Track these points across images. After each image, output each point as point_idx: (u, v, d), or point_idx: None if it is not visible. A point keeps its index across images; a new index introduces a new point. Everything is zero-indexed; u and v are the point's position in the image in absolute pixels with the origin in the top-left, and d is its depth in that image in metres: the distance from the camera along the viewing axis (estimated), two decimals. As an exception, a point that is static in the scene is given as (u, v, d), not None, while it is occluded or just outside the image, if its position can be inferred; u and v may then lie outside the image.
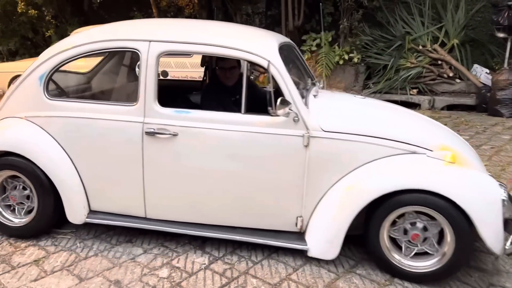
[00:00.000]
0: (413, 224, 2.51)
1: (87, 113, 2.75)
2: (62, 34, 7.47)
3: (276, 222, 2.71)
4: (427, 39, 7.96)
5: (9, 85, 7.09)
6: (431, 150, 2.57)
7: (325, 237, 2.58)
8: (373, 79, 8.23)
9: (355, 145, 2.55)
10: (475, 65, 7.81)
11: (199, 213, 2.77)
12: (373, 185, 2.48)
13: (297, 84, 2.71)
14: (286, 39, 3.27)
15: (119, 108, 2.74)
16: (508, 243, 2.44)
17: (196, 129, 2.64)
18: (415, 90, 7.91)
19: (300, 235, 2.69)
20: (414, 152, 2.56)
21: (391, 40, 8.16)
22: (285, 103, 2.46)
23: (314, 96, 2.92)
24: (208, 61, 3.86)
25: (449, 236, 2.42)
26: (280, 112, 2.47)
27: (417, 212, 2.48)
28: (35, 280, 2.53)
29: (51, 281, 2.51)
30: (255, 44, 2.68)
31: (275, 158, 2.59)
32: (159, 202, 2.80)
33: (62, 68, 2.89)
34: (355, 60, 8.09)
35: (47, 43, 9.38)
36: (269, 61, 2.55)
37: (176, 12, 10.11)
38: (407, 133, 2.64)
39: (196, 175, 2.69)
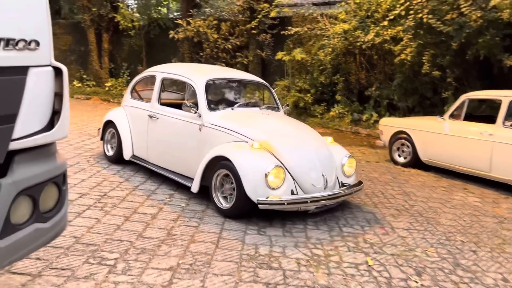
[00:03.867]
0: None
1: (137, 106, 5.86)
2: (458, 96, 7.17)
3: (192, 172, 4.72)
4: None
5: (390, 140, 7.45)
6: (253, 141, 4.38)
7: (196, 180, 4.60)
8: None
9: (220, 133, 4.63)
10: None
11: (166, 161, 5.23)
12: (210, 153, 4.49)
13: (220, 101, 5.42)
14: (245, 77, 5.89)
15: (144, 103, 5.71)
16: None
17: (163, 116, 5.28)
18: None
19: None
20: (245, 141, 4.43)
21: None
22: (187, 107, 4.88)
23: (232, 109, 5.12)
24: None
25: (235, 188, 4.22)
26: (188, 110, 4.91)
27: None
28: None
29: None
30: (187, 73, 5.31)
31: (189, 135, 4.89)
32: (152, 152, 5.46)
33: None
34: None
35: (443, 103, 9.30)
36: (192, 82, 5.07)
37: None
38: (251, 132, 4.53)
39: (164, 139, 5.27)
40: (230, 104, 5.31)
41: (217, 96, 5.54)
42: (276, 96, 5.70)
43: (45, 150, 2.03)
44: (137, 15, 14.55)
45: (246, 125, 4.67)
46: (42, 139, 1.96)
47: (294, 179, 4.23)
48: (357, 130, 10.75)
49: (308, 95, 11.89)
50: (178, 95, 6.41)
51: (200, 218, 4.23)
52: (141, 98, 6.02)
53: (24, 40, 1.82)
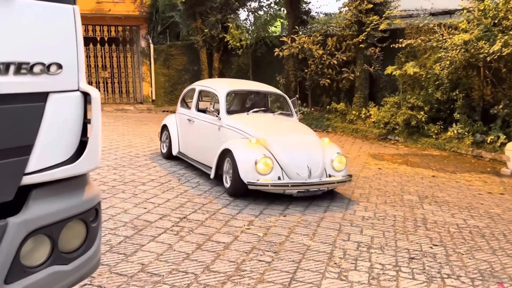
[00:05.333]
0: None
1: (183, 112, 7.32)
2: None
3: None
4: None
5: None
6: (254, 137, 5.43)
7: (213, 168, 5.82)
8: None
9: (231, 132, 5.79)
10: None
11: (198, 155, 6.61)
12: (221, 147, 5.64)
13: (238, 107, 7.06)
14: (264, 89, 7.15)
15: (187, 110, 7.09)
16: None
17: (196, 119, 6.71)
18: None
19: None
20: (247, 138, 5.50)
21: None
22: (211, 111, 6.16)
23: (247, 113, 6.41)
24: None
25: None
26: (212, 114, 6.17)
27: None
28: None
29: None
30: (214, 85, 6.84)
31: (212, 134, 6.18)
32: (189, 148, 6.90)
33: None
34: None
35: None
36: (216, 92, 6.47)
37: None
38: (256, 131, 5.60)
39: (197, 138, 6.70)
40: (248, 110, 6.60)
41: (238, 103, 7.06)
42: (291, 104, 6.82)
43: (70, 184, 1.84)
44: (246, 34, 14.85)
45: (251, 126, 5.83)
46: (63, 173, 1.77)
47: (281, 168, 5.25)
48: (479, 154, 9.35)
49: (422, 112, 10.75)
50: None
51: (275, 252, 3.82)
52: (187, 107, 7.34)
53: (41, 64, 1.65)
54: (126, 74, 18.55)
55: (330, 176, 5.43)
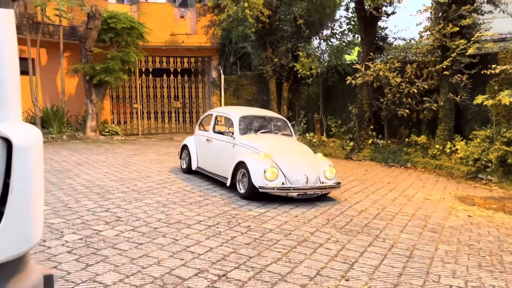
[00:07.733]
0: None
1: (201, 134, 8.86)
2: None
3: (228, 174, 7.22)
4: None
5: None
6: (262, 152, 6.81)
7: (229, 178, 7.16)
8: None
9: (244, 148, 7.23)
10: None
11: (215, 168, 7.93)
12: (236, 160, 7.09)
13: (248, 129, 7.85)
14: (269, 114, 8.79)
15: (205, 132, 8.62)
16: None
17: (214, 139, 8.19)
18: None
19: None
20: (257, 152, 6.95)
21: None
22: (227, 132, 7.89)
23: (256, 133, 7.74)
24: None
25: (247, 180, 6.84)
26: (227, 134, 7.81)
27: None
28: None
29: None
30: (229, 112, 8.51)
31: (228, 151, 7.60)
32: (208, 163, 8.26)
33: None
34: None
35: None
36: (231, 117, 8.00)
37: None
38: (264, 147, 6.98)
39: (214, 154, 8.10)
40: (257, 131, 7.89)
41: (249, 126, 7.95)
42: (291, 127, 8.44)
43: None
44: (317, 62, 14.12)
45: (260, 143, 7.21)
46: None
47: (284, 175, 6.60)
48: None
49: (520, 149, 9.17)
50: (225, 126, 8.92)
51: (329, 337, 2.93)
52: (204, 129, 8.79)
53: None
54: (197, 104, 18.68)
55: (323, 183, 6.82)
